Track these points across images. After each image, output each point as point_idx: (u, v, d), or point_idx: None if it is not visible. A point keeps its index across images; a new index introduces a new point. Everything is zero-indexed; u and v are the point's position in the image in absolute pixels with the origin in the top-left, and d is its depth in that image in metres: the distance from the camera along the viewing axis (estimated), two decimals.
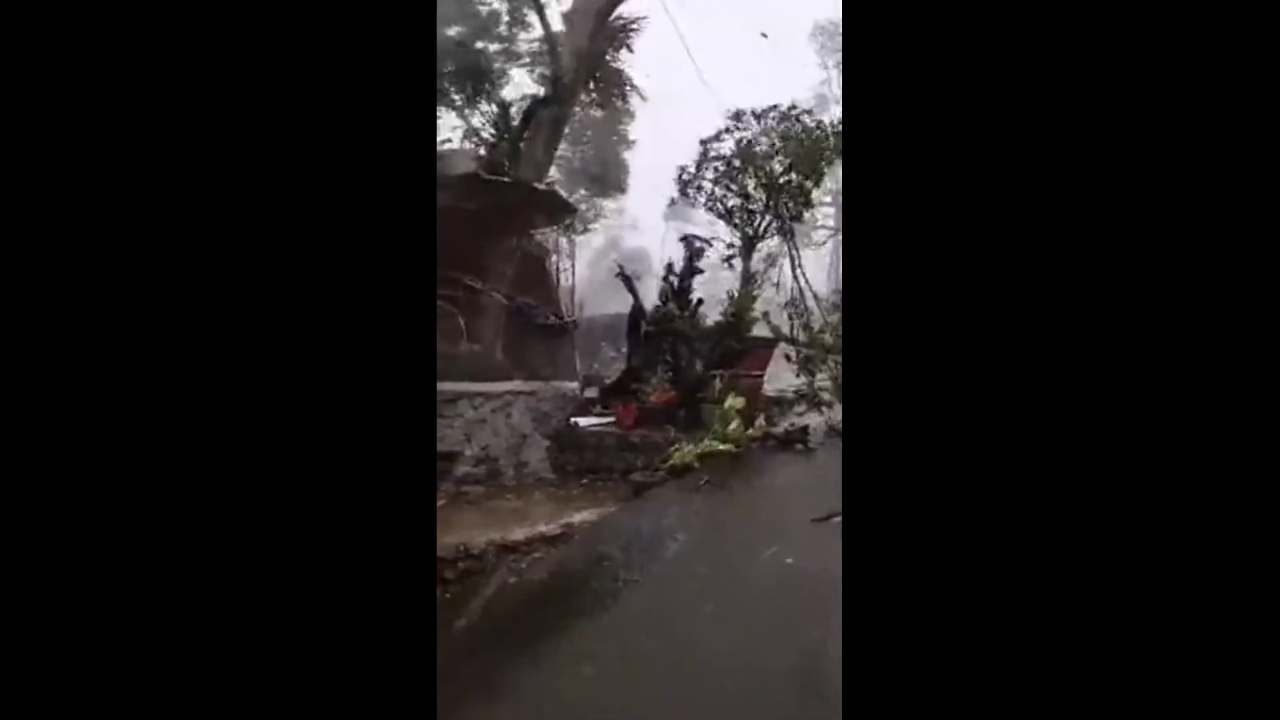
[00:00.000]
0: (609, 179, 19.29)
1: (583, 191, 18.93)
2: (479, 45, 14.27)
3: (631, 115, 17.69)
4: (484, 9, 17.72)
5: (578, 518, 5.83)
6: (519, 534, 5.43)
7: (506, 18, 17.82)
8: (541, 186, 11.10)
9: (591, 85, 12.00)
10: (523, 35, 17.36)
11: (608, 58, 11.91)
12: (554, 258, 13.25)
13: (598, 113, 14.19)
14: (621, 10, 11.57)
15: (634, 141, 20.06)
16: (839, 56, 27.57)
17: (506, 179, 10.41)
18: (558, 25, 11.54)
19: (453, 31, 14.19)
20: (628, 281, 10.52)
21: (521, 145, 11.18)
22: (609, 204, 21.61)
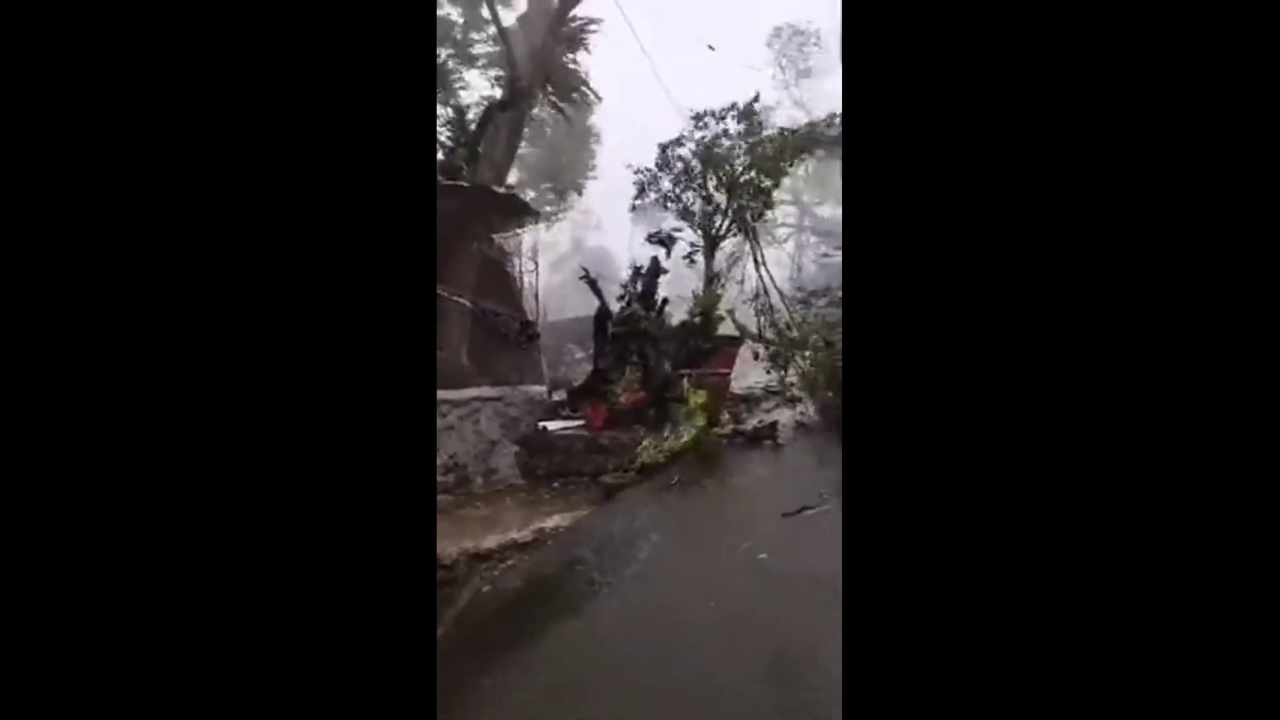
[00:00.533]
0: (568, 180, 19.24)
1: (543, 192, 18.85)
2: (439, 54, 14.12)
3: (590, 115, 17.67)
4: (438, 13, 17.56)
5: (550, 523, 5.80)
6: (491, 542, 5.38)
7: (460, 21, 17.71)
8: (501, 190, 11.02)
9: (550, 87, 11.94)
10: (476, 38, 17.26)
11: (565, 59, 11.87)
12: (516, 261, 13.19)
13: (554, 114, 14.13)
14: (576, 11, 11.53)
15: (594, 142, 20.04)
16: (799, 60, 27.94)
17: (465, 183, 10.32)
18: (512, 26, 11.48)
19: None
20: (593, 285, 10.50)
21: (480, 149, 11.10)
22: (570, 205, 21.59)
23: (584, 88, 12.50)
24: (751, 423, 7.91)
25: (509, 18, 11.60)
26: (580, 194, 20.41)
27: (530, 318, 11.85)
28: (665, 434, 7.51)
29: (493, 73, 13.89)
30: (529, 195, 15.07)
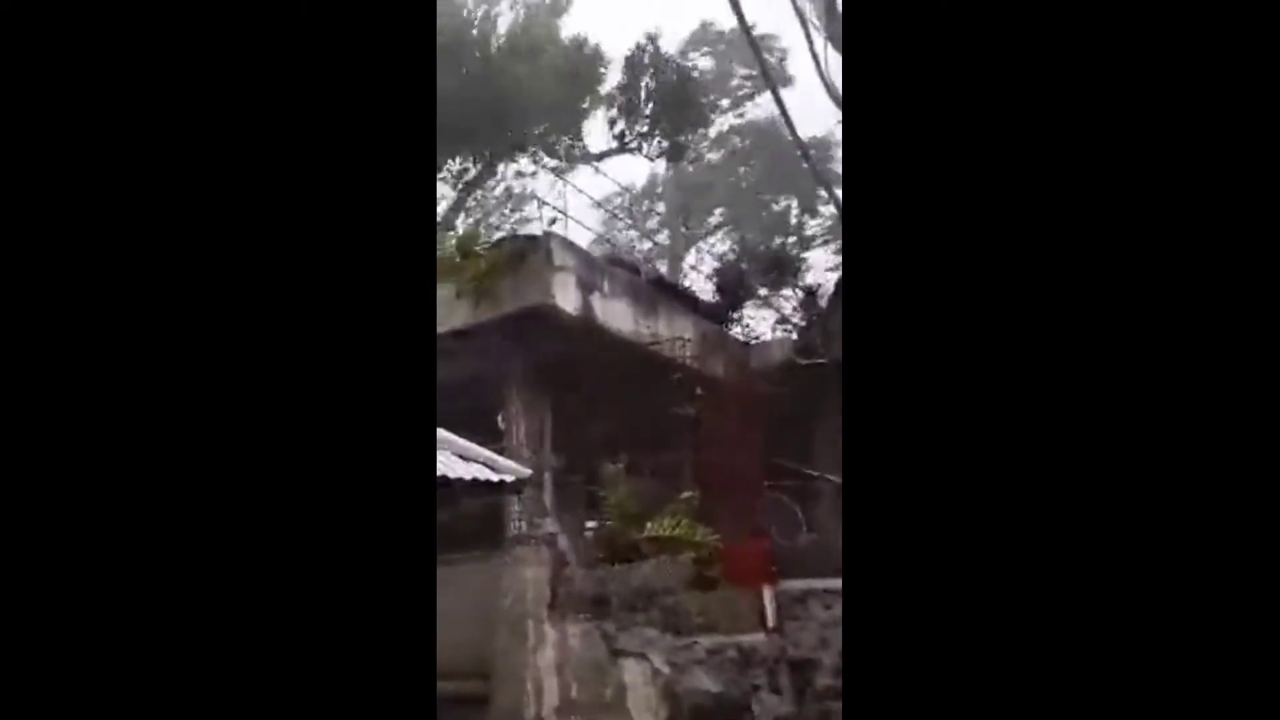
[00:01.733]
0: None
1: None
2: (777, 241, 14.95)
3: None
4: (774, 206, 18.80)
5: None
6: None
7: (796, 209, 18.71)
8: None
9: None
10: (812, 221, 17.98)
11: None
12: None
13: None
14: None
15: None
16: None
17: (822, 360, 10.24)
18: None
19: (750, 235, 15.12)
20: None
21: (829, 325, 11.04)
22: None
23: None
24: None
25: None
26: None
27: None
28: None
29: (832, 247, 14.14)
30: None
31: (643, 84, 11.14)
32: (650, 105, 11.12)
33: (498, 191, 15.36)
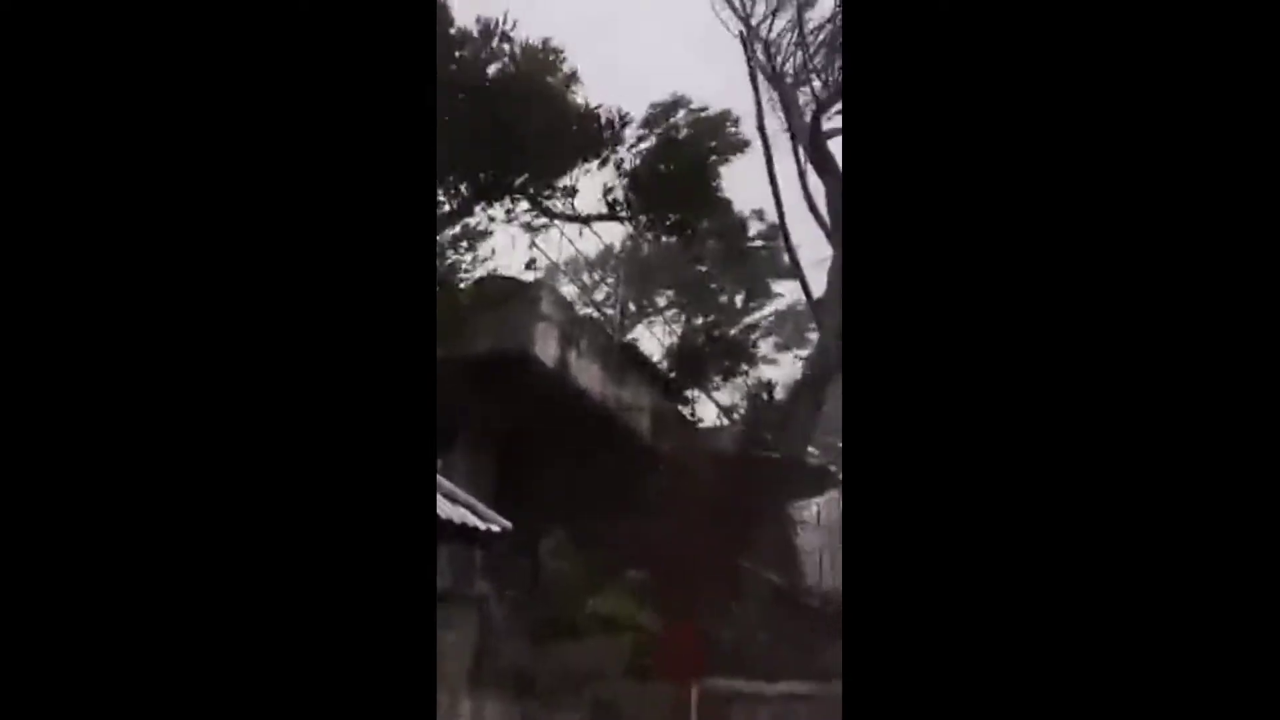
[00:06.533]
0: None
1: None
2: (734, 329, 15.15)
3: None
4: (724, 295, 19.15)
5: None
6: None
7: (742, 298, 19.08)
8: (811, 460, 10.78)
9: None
10: (761, 311, 18.34)
11: None
12: (800, 531, 12.55)
13: None
14: None
15: None
16: None
17: (775, 454, 10.24)
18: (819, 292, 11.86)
19: (701, 321, 15.28)
20: None
21: (784, 419, 11.13)
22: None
23: None
24: None
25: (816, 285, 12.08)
26: None
27: (838, 601, 10.85)
28: None
29: (797, 352, 14.44)
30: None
31: (646, 153, 11.28)
32: (654, 172, 11.24)
33: (455, 230, 15.06)
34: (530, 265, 8.70)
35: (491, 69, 11.22)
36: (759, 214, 14.76)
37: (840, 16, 11.75)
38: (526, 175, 11.14)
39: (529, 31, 12.31)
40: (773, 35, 13.37)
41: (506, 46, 11.39)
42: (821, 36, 13.18)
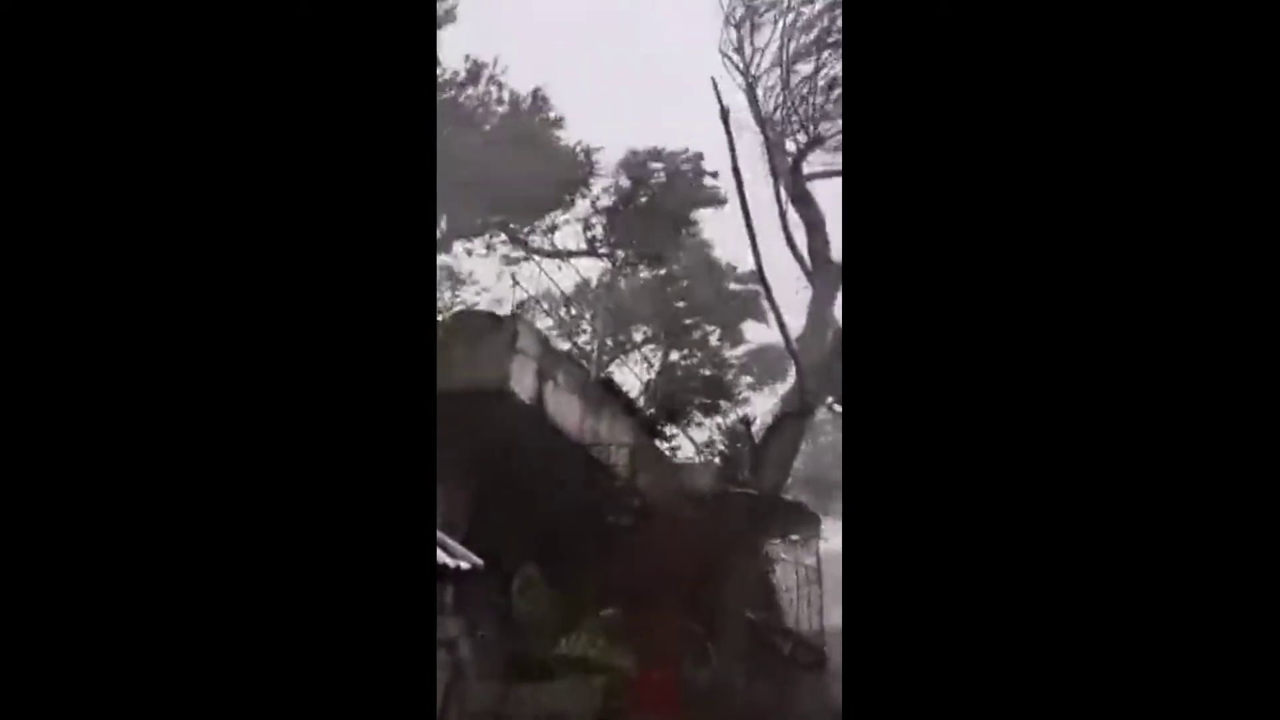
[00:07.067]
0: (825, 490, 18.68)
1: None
2: (708, 369, 15.14)
3: None
4: (699, 332, 19.16)
5: None
6: None
7: (718, 338, 19.10)
8: (788, 497, 10.71)
9: (831, 399, 11.99)
10: (736, 351, 18.34)
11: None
12: (778, 570, 12.42)
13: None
14: None
15: None
16: None
17: (752, 490, 10.15)
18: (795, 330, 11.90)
19: (675, 357, 15.28)
20: None
21: (761, 456, 11.05)
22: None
23: None
24: None
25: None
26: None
27: (818, 642, 10.70)
28: None
29: (775, 388, 14.46)
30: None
31: (628, 193, 11.36)
32: (632, 209, 11.31)
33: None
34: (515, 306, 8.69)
35: (476, 107, 11.36)
36: (737, 252, 14.89)
37: (833, 63, 12.01)
38: (504, 214, 11.21)
39: (518, 72, 12.53)
40: (760, 77, 13.62)
41: (494, 90, 11.54)
42: (807, 86, 13.45)
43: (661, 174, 12.31)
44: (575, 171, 11.31)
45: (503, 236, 11.91)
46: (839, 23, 12.68)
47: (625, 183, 11.78)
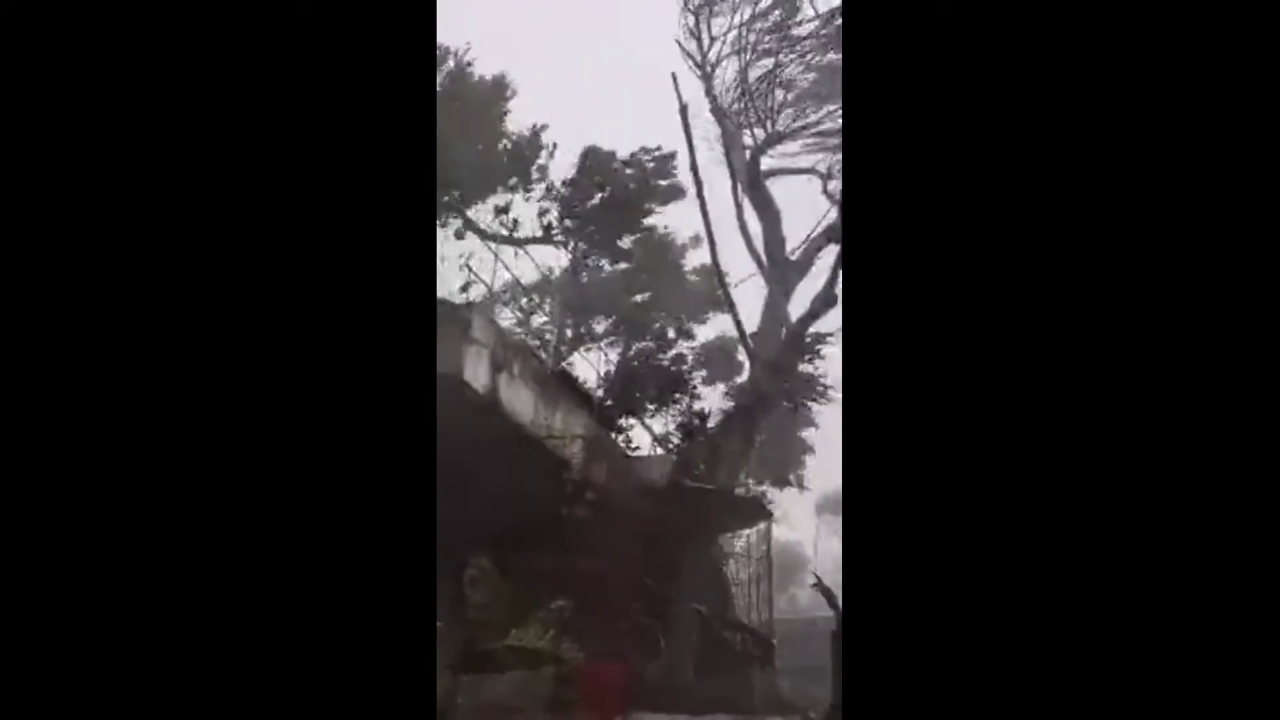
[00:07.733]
0: (786, 479, 18.87)
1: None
2: (665, 358, 15.15)
3: (816, 418, 17.71)
4: (658, 324, 19.12)
5: None
6: None
7: (673, 331, 19.09)
8: (742, 491, 10.81)
9: (785, 391, 12.13)
10: (689, 343, 18.37)
11: (800, 368, 12.15)
12: (730, 563, 12.52)
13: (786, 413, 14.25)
14: (814, 328, 11.97)
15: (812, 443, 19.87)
16: None
17: (709, 486, 10.21)
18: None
19: (634, 350, 15.26)
20: (827, 594, 9.53)
21: (716, 449, 11.13)
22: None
23: (819, 390, 12.61)
24: None
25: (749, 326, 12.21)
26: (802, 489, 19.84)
27: (766, 634, 10.84)
28: None
29: (730, 382, 14.52)
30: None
31: (586, 181, 11.29)
32: (590, 203, 11.24)
33: None
34: (464, 288, 8.56)
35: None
36: (694, 245, 14.94)
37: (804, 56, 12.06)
38: (458, 192, 11.04)
39: (483, 60, 12.34)
40: (717, 66, 13.66)
41: (452, 64, 11.33)
42: (766, 81, 13.52)
43: (621, 166, 12.29)
44: (532, 153, 11.23)
45: (459, 222, 11.76)
46: (796, 15, 12.79)
47: (583, 174, 11.74)
